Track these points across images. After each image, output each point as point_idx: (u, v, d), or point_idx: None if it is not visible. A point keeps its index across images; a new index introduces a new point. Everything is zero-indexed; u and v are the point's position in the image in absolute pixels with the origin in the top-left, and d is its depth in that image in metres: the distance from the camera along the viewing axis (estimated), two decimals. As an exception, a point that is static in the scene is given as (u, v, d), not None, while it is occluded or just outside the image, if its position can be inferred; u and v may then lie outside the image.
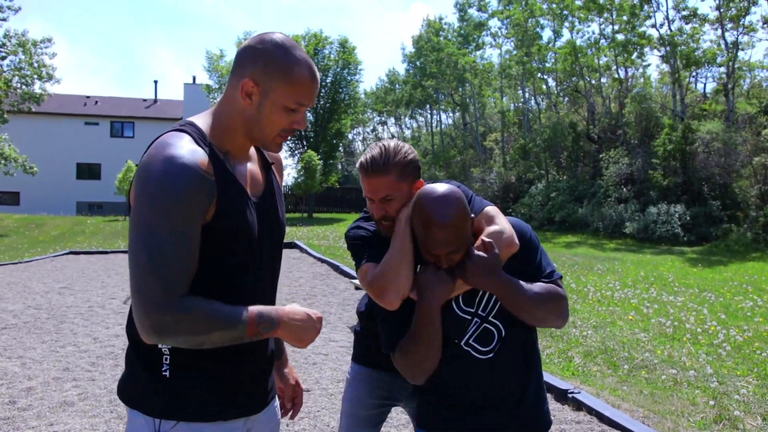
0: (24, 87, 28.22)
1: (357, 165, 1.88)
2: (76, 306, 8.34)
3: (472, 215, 1.84)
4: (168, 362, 1.48)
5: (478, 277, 1.73)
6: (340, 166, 65.67)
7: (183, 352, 1.46)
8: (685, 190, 21.48)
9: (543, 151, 28.42)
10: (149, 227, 1.36)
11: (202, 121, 1.56)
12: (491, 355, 1.85)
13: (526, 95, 33.74)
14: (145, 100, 43.91)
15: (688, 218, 19.77)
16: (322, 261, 13.55)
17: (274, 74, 1.48)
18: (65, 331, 6.78)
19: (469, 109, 38.11)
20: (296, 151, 38.83)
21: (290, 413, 1.91)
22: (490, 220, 1.83)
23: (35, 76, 28.52)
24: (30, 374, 5.19)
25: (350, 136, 64.92)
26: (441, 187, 1.75)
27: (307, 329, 1.51)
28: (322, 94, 38.95)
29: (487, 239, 1.75)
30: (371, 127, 65.08)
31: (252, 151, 1.67)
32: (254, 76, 1.48)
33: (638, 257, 15.85)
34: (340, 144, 46.14)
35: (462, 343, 1.85)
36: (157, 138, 1.47)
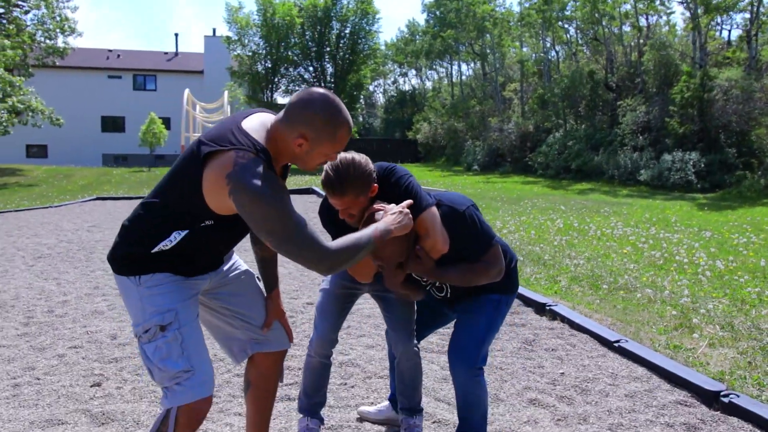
0: (47, 41, 28.71)
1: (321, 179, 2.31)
2: (104, 240, 8.97)
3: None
4: (150, 246, 2.00)
5: (418, 272, 2.39)
6: (361, 119, 65.77)
7: (176, 252, 2.01)
8: (701, 137, 21.46)
9: (561, 101, 28.36)
10: (266, 198, 1.84)
11: (259, 135, 1.96)
12: (442, 294, 2.60)
13: (547, 44, 33.41)
14: (166, 53, 44.22)
15: (703, 165, 19.85)
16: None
17: (323, 135, 1.95)
18: (95, 260, 7.40)
19: (489, 59, 37.86)
20: (316, 103, 39.14)
21: (266, 325, 2.39)
22: (425, 232, 2.30)
23: (58, 30, 28.97)
24: (65, 291, 5.80)
25: (371, 88, 64.84)
26: None
27: (405, 223, 2.13)
28: (340, 45, 38.91)
29: (420, 249, 2.33)
30: (392, 79, 64.80)
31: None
32: (306, 135, 1.94)
33: (648, 202, 16.09)
34: (361, 96, 46.22)
35: (427, 288, 2.57)
36: (236, 151, 1.87)
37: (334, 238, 2.48)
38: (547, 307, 5.01)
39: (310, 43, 38.73)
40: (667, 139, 22.06)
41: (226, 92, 12.61)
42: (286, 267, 6.93)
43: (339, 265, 1.97)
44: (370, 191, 2.29)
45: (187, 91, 13.09)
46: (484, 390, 2.54)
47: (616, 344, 4.13)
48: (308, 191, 17.66)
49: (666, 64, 25.28)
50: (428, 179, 25.81)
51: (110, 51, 42.98)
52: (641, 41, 26.83)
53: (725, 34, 29.47)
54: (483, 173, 29.34)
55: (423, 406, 2.97)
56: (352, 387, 3.54)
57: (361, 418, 3.11)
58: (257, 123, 1.99)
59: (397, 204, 2.27)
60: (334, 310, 2.71)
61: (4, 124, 24.06)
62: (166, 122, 32.72)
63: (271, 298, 2.38)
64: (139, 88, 40.73)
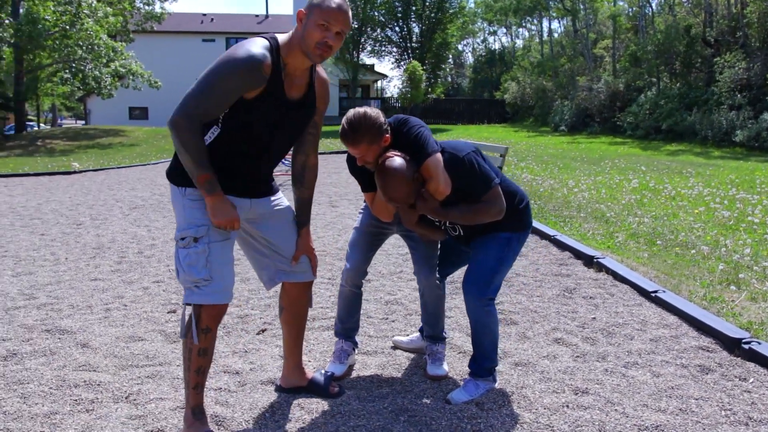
0: (146, 7, 30.18)
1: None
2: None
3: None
4: None
5: (425, 212, 2.68)
6: (449, 78, 65.09)
7: (213, 155, 2.35)
8: (806, 95, 20.07)
9: (655, 57, 27.11)
10: (206, 75, 2.22)
11: (281, 38, 2.36)
12: (456, 233, 2.83)
13: (642, -3, 31.81)
14: (257, 16, 45.35)
15: (807, 125, 18.62)
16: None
17: (314, 3, 2.27)
18: (182, 211, 8.10)
19: (580, 15, 36.50)
20: (401, 63, 39.13)
21: (295, 258, 2.73)
22: (430, 175, 2.56)
23: (156, -4, 30.33)
24: (153, 236, 6.47)
25: (460, 47, 63.90)
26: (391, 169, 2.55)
27: (215, 217, 2.33)
28: (427, 4, 38.57)
29: (425, 192, 2.61)
30: (481, 38, 63.60)
31: (305, 73, 2.44)
32: (305, 7, 2.30)
33: (739, 164, 15.39)
34: (449, 55, 45.80)
35: (442, 227, 2.84)
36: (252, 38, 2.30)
37: (359, 182, 2.83)
38: (595, 260, 5.16)
39: (396, 2, 38.64)
40: (769, 97, 20.76)
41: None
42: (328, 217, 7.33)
43: (174, 133, 2.21)
44: (383, 141, 2.58)
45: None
46: (494, 319, 2.82)
47: (653, 294, 4.27)
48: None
49: (772, 16, 23.59)
50: (512, 139, 25.57)
51: (204, 15, 44.56)
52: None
53: None
54: (570, 134, 28.68)
55: (447, 335, 3.29)
56: (393, 321, 3.91)
57: (395, 347, 3.48)
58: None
59: (408, 151, 2.58)
60: (363, 245, 3.06)
61: (108, 87, 25.72)
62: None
63: (301, 235, 2.74)
64: (231, 50, 41.98)
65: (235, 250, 3.08)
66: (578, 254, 5.48)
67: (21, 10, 25.26)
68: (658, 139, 23.20)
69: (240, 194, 2.49)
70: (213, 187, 2.30)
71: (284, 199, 2.74)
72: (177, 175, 2.41)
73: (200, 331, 2.39)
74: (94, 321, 3.89)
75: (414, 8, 38.55)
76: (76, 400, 2.82)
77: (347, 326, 3.16)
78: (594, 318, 3.96)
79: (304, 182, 2.71)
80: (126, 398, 2.85)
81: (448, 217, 2.67)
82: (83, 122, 44.37)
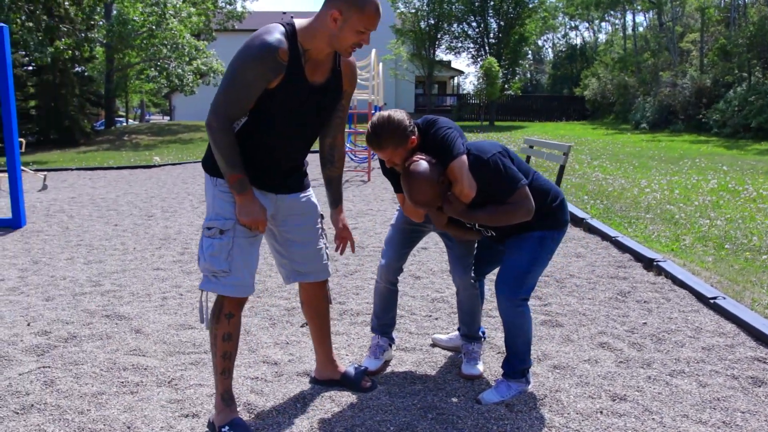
0: (228, 6, 31.16)
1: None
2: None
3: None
4: None
5: (453, 214, 2.66)
6: (529, 75, 63.81)
7: (241, 146, 2.40)
8: None
9: (746, 51, 25.67)
10: (227, 72, 2.30)
11: (300, 23, 2.38)
12: (490, 233, 2.81)
13: (733, -12, 30.18)
14: (334, 14, 45.94)
15: None
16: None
17: (353, 8, 2.26)
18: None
19: (666, 8, 35.01)
20: (478, 59, 38.70)
21: (339, 248, 2.80)
22: (455, 178, 2.56)
23: (237, -5, 31.23)
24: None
25: (540, 43, 62.54)
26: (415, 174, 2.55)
27: (241, 215, 2.39)
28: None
29: (451, 195, 2.61)
30: (562, 33, 62.02)
31: (329, 57, 2.46)
32: (340, 8, 2.27)
33: (835, 164, 14.37)
34: (528, 51, 44.85)
35: (474, 229, 2.82)
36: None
37: (391, 183, 2.85)
38: (655, 263, 4.97)
39: (473, -3, 38.23)
40: None
41: (374, 50, 13.08)
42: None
43: (209, 133, 2.30)
44: (409, 143, 2.59)
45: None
46: (527, 319, 2.78)
47: (711, 300, 4.08)
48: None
49: None
50: (589, 137, 24.85)
51: (284, 13, 45.52)
52: None
53: None
54: (651, 131, 27.57)
55: (485, 335, 3.27)
56: (436, 319, 3.91)
57: (434, 344, 3.48)
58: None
59: (435, 152, 2.58)
60: (398, 242, 3.08)
61: (191, 84, 26.72)
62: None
63: (337, 212, 2.77)
64: (310, 48, 42.74)
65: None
66: (638, 257, 5.29)
67: (113, 12, 26.62)
68: (747, 138, 21.98)
69: (265, 188, 2.52)
70: (244, 186, 2.36)
71: (312, 197, 2.76)
72: (210, 165, 2.49)
73: (224, 317, 2.48)
74: (150, 308, 4.08)
75: (492, 3, 38.01)
76: (122, 382, 2.98)
77: (383, 322, 3.19)
78: (645, 323, 3.82)
79: (334, 161, 2.74)
80: (168, 383, 2.99)
81: (476, 219, 2.65)
82: (168, 118, 46.36)
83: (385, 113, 2.60)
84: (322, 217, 2.79)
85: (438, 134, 2.62)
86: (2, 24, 6.62)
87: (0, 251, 5.79)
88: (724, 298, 4.08)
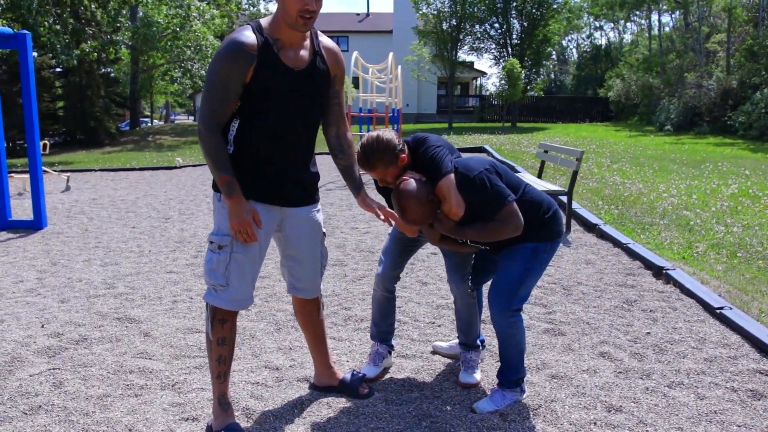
0: (251, 8, 31.44)
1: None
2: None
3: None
4: (231, 152, 2.49)
5: (443, 232, 2.72)
6: (552, 75, 63.34)
7: (242, 154, 2.47)
8: None
9: (774, 52, 25.23)
10: (206, 77, 2.40)
11: (266, 19, 2.48)
12: (483, 246, 2.83)
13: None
14: (357, 14, 46.14)
15: None
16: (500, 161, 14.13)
17: None
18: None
19: (692, 8, 34.53)
20: (500, 60, 38.53)
21: (388, 221, 2.79)
22: (443, 197, 2.61)
23: (260, -3, 31.44)
24: (232, 232, 6.81)
25: (564, 43, 62.00)
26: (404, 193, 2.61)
27: (230, 218, 2.43)
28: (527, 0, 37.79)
29: (440, 213, 2.67)
30: (587, 33, 61.47)
31: (307, 43, 2.53)
32: None
33: None
34: (551, 52, 44.56)
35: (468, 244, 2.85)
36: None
37: (385, 200, 2.91)
38: (664, 271, 4.95)
39: (496, -2, 38.08)
40: None
41: (391, 53, 13.14)
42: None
43: (200, 140, 2.39)
44: (399, 162, 2.65)
45: (355, 54, 13.87)
46: (520, 330, 2.81)
47: (718, 311, 4.06)
48: (480, 149, 17.88)
49: None
50: (611, 139, 24.63)
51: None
52: None
53: None
54: (675, 134, 27.23)
55: (484, 343, 3.30)
56: (439, 326, 3.94)
57: (434, 351, 3.52)
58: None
59: (425, 171, 2.63)
60: (395, 252, 3.12)
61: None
62: (355, 81, 34.36)
63: (361, 197, 2.77)
64: (332, 49, 42.90)
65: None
66: (648, 264, 5.27)
67: (139, 14, 27.04)
68: (773, 141, 21.60)
69: (270, 201, 2.56)
70: (232, 189, 2.41)
71: (319, 214, 2.78)
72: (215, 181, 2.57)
73: (217, 322, 2.56)
74: (160, 311, 4.18)
75: (515, 3, 37.83)
76: (128, 385, 3.07)
77: (381, 330, 3.24)
78: (648, 333, 3.82)
79: (344, 150, 2.76)
80: (172, 386, 3.07)
81: (466, 236, 2.69)
82: (193, 118, 46.90)
83: (373, 133, 2.65)
84: (324, 235, 2.85)
85: (427, 153, 2.67)
86: (26, 31, 6.80)
87: (21, 252, 5.95)
88: (731, 309, 4.06)
